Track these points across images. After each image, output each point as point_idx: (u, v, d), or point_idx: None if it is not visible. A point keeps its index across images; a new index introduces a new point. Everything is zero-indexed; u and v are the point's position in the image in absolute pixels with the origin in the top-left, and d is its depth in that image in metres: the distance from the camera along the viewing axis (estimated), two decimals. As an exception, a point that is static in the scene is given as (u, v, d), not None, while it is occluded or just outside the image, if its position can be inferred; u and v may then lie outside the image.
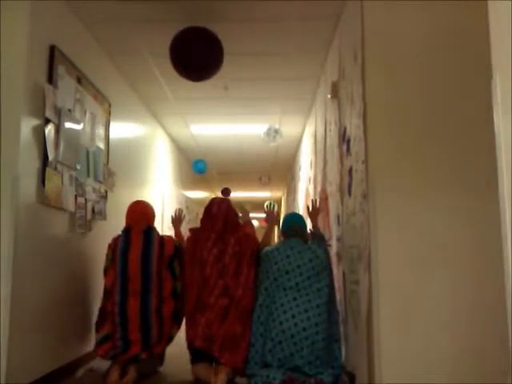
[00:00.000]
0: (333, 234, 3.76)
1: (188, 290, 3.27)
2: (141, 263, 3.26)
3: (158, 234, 3.47)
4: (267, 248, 3.36)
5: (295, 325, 2.97)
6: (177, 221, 3.93)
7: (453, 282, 2.44)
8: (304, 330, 2.96)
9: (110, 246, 3.41)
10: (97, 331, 3.28)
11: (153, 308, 3.22)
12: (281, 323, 2.99)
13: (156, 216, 3.78)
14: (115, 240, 3.39)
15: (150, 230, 3.42)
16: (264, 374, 2.90)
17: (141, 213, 3.51)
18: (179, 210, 4.05)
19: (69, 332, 3.39)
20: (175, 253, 3.40)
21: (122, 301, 3.21)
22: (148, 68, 4.45)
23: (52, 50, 3.07)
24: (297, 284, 3.10)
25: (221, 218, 3.35)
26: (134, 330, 3.17)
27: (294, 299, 3.06)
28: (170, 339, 3.33)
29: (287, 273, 3.13)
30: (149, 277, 3.25)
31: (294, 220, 3.55)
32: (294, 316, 3.00)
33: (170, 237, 3.54)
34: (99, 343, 3.22)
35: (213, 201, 3.49)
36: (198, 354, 3.12)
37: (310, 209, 3.65)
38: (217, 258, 3.23)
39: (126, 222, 3.47)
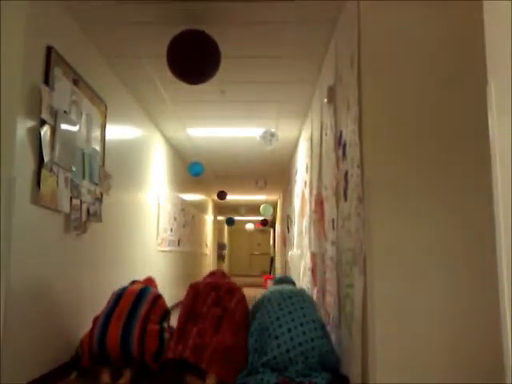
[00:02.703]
0: (328, 237, 3.76)
1: (181, 305, 3.33)
2: (135, 296, 3.38)
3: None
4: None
5: (291, 339, 2.95)
6: None
7: (448, 286, 2.45)
8: (300, 344, 2.94)
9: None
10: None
11: (135, 340, 3.14)
12: (276, 337, 2.97)
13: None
14: None
15: (151, 285, 3.72)
16: (258, 378, 2.89)
17: (148, 278, 3.94)
18: None
19: (63, 333, 3.38)
20: (166, 313, 3.51)
21: (104, 324, 3.19)
22: (145, 70, 4.45)
23: (49, 51, 3.07)
24: (290, 297, 3.17)
25: (218, 273, 3.80)
26: (114, 355, 3.13)
27: (290, 313, 3.06)
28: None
29: (279, 304, 3.19)
30: (136, 310, 3.28)
31: (284, 276, 4.14)
32: (289, 330, 2.98)
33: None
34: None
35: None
36: (188, 365, 3.08)
37: None
38: (210, 278, 3.59)
39: None
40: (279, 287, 3.44)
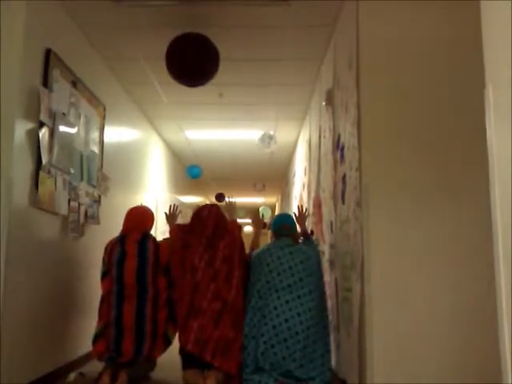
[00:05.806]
0: (326, 240, 3.76)
1: (180, 295, 3.26)
2: (136, 274, 3.26)
3: (154, 240, 3.43)
4: (258, 250, 3.38)
5: (288, 329, 2.98)
6: (171, 217, 3.71)
7: (446, 289, 2.45)
8: (297, 333, 2.97)
9: (106, 249, 3.40)
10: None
11: (148, 317, 3.20)
12: (274, 327, 3.00)
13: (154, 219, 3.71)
14: (112, 245, 3.37)
15: (144, 238, 3.38)
16: (256, 379, 2.90)
17: (136, 220, 3.51)
18: (174, 205, 3.81)
19: (60, 336, 3.37)
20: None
21: (118, 305, 3.20)
22: (143, 72, 4.45)
23: (47, 53, 3.07)
24: (289, 285, 3.12)
25: (211, 222, 3.37)
26: (128, 339, 3.15)
27: (287, 302, 3.06)
28: (169, 341, 3.29)
29: (279, 274, 3.15)
30: (144, 286, 3.25)
31: (284, 219, 3.63)
32: (286, 320, 3.00)
33: (165, 243, 3.47)
34: (93, 342, 3.22)
35: (203, 205, 3.54)
36: (189, 360, 3.10)
37: (297, 214, 3.69)
38: (208, 264, 3.27)
39: (123, 228, 3.47)
40: (279, 249, 3.28)
